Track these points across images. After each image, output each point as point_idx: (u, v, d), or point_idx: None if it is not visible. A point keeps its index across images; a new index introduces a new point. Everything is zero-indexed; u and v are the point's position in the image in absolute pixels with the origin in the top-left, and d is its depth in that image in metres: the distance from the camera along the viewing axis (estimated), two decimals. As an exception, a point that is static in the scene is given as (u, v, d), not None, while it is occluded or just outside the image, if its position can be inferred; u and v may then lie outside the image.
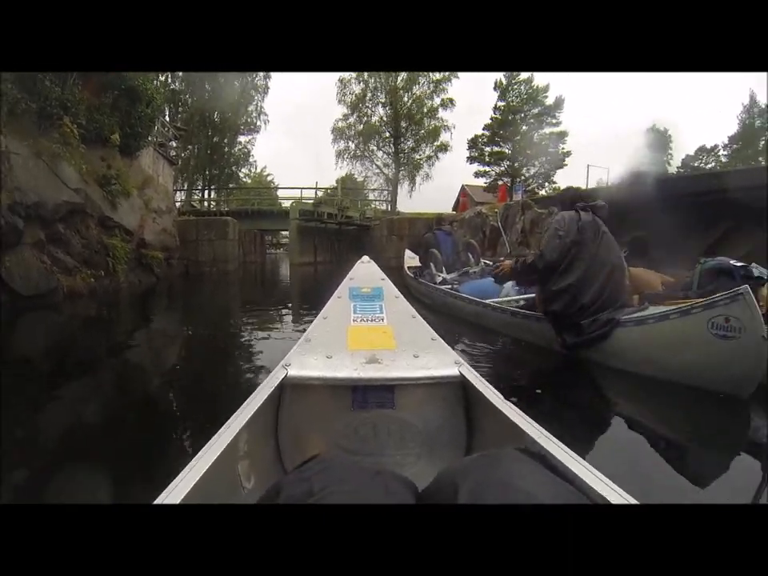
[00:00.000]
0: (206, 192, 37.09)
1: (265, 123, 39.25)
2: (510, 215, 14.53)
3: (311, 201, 28.51)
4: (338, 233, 29.80)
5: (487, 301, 5.56)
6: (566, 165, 37.50)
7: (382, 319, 1.94)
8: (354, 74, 38.36)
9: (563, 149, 37.81)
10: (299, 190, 30.34)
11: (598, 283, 3.89)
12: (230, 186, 38.87)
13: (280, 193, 41.29)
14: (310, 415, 1.66)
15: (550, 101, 37.60)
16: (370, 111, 39.55)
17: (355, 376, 1.58)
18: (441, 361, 1.67)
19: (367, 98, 39.17)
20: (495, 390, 1.45)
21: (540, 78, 37.62)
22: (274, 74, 38.37)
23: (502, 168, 39.39)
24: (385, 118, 39.25)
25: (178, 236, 15.93)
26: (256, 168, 42.94)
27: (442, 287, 7.02)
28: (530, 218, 13.54)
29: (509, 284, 5.54)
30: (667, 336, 3.38)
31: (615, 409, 3.28)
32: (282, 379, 1.53)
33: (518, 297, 5.58)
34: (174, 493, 0.87)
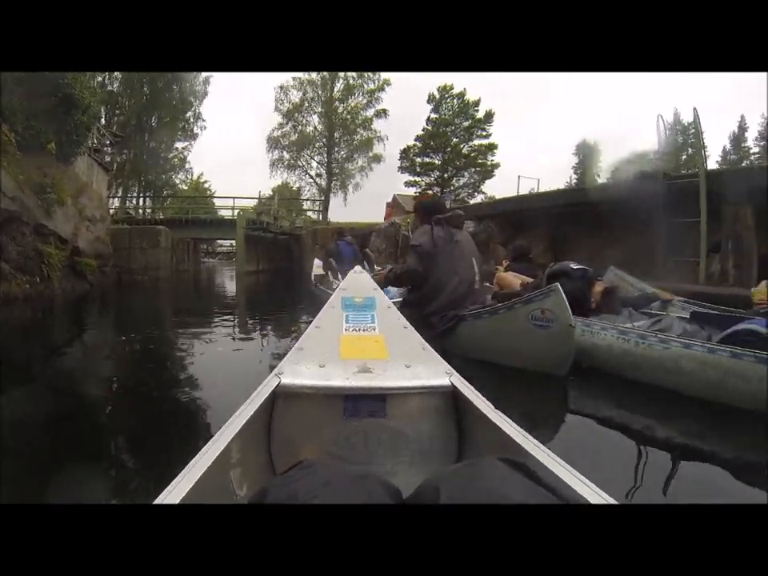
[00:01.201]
0: (141, 199, 37.16)
1: (202, 130, 39.53)
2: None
3: (252, 209, 29.80)
4: (273, 242, 30.47)
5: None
6: (494, 176, 39.97)
7: (374, 329, 1.95)
8: (293, 81, 39.57)
9: (492, 161, 40.10)
10: (236, 199, 31.17)
11: (451, 286, 4.54)
12: (165, 193, 39.18)
13: (217, 201, 41.78)
14: (301, 423, 1.67)
15: (480, 114, 39.72)
16: (305, 120, 40.58)
17: (347, 385, 1.61)
18: (432, 370, 1.70)
19: (304, 106, 40.13)
20: (486, 400, 1.48)
21: (472, 92, 39.95)
22: (214, 80, 38.74)
23: (432, 178, 41.28)
24: (319, 128, 40.36)
25: (111, 244, 16.46)
26: (192, 175, 43.18)
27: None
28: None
29: (393, 289, 5.73)
30: (498, 327, 3.99)
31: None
32: (275, 387, 1.56)
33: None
34: (168, 500, 0.89)
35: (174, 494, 0.90)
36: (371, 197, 41.87)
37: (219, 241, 42.29)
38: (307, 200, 41.73)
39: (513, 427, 1.26)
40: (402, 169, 42.19)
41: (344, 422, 1.66)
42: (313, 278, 10.43)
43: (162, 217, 30.48)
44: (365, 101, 40.04)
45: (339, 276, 8.73)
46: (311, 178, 41.84)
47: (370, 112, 40.20)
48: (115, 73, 33.16)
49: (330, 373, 1.65)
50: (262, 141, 41.27)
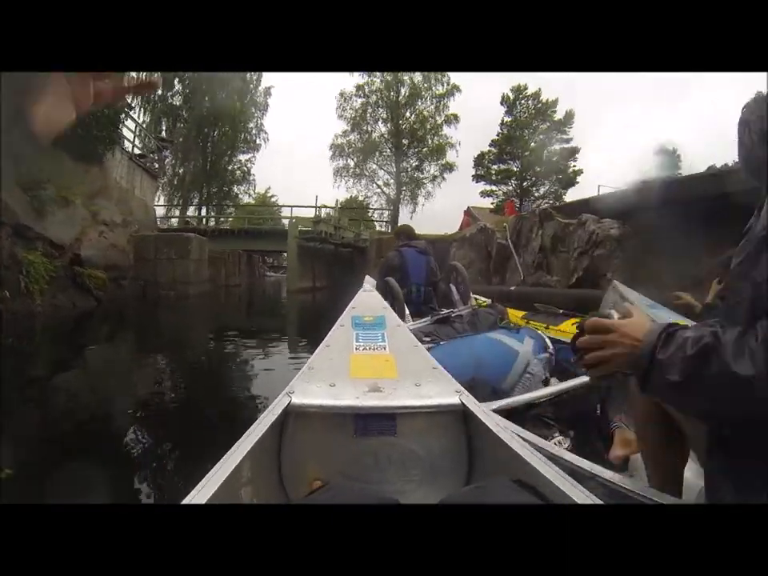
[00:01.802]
0: (202, 209, 36.12)
1: (265, 141, 38.33)
2: (524, 230, 11.52)
3: (310, 218, 26.08)
4: (334, 255, 27.39)
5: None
6: (578, 183, 35.89)
7: (384, 348, 2.00)
8: (354, 88, 37.33)
9: (574, 166, 36.36)
10: (294, 209, 28.36)
11: None
12: (226, 204, 37.88)
13: (280, 212, 39.34)
14: (312, 442, 1.67)
15: (559, 115, 36.40)
16: (370, 127, 38.08)
17: (357, 404, 1.61)
18: (442, 389, 1.72)
19: (368, 113, 37.72)
20: (497, 419, 1.55)
21: (549, 93, 36.72)
22: (275, 90, 38.26)
23: (510, 187, 37.88)
24: (386, 135, 37.77)
25: (135, 253, 14.29)
26: (255, 187, 41.27)
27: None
28: (550, 231, 10.41)
29: (529, 348, 3.32)
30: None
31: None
32: (286, 406, 1.57)
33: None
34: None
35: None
36: (443, 209, 38.54)
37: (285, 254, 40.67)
38: (373, 209, 39.19)
39: (523, 446, 1.31)
40: (476, 177, 38.65)
41: (354, 441, 1.68)
42: None
43: (226, 227, 29.84)
44: (432, 106, 37.51)
45: (406, 314, 4.75)
46: (379, 187, 38.97)
47: (440, 118, 37.54)
48: (176, 86, 34.19)
49: (341, 392, 1.69)
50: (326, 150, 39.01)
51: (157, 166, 22.50)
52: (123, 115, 16.50)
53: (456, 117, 37.19)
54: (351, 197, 40.22)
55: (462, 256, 13.70)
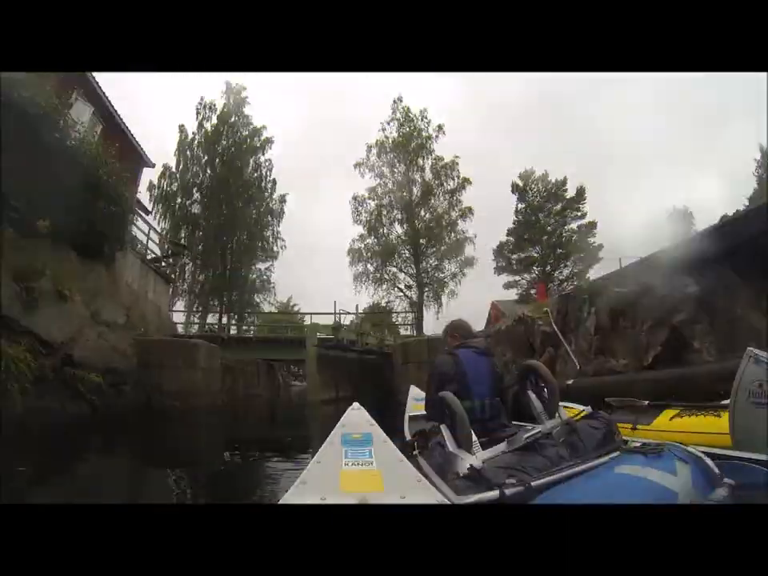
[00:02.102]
0: (222, 318, 35.21)
1: (282, 249, 37.95)
2: (571, 311, 9.34)
3: (330, 325, 24.04)
4: (358, 362, 25.19)
5: None
6: (602, 259, 34.00)
7: (371, 463, 2.13)
8: (366, 192, 37.24)
9: (593, 243, 35.66)
10: (314, 316, 27.01)
11: None
12: (247, 312, 36.93)
13: (303, 320, 38.39)
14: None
15: (570, 193, 36.37)
16: (386, 230, 37.44)
17: None
18: (426, 501, 1.81)
19: (383, 215, 37.20)
20: None
21: (555, 173, 37.08)
22: (289, 197, 38.44)
23: (533, 275, 37.11)
24: (403, 237, 37.07)
25: (138, 358, 12.85)
26: (275, 296, 40.15)
27: (476, 498, 2.36)
28: (606, 305, 8.24)
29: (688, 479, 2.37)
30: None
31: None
32: None
33: None
34: None
35: None
36: (465, 306, 36.72)
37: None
38: (398, 313, 37.59)
39: None
40: (498, 270, 38.44)
41: None
42: (407, 428, 5.18)
43: (241, 335, 29.08)
44: (446, 202, 36.88)
45: (474, 441, 3.07)
46: (400, 290, 37.48)
47: (454, 213, 36.89)
48: (195, 194, 34.74)
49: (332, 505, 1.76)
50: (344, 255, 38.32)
51: (168, 271, 21.56)
52: (133, 215, 15.81)
53: (470, 210, 36.53)
54: (374, 303, 38.95)
55: (500, 354, 11.92)
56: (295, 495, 1.83)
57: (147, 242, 18.01)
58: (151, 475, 5.74)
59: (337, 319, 23.91)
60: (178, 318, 30.86)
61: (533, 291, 31.76)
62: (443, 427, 3.28)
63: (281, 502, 1.76)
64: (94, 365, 10.61)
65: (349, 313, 26.82)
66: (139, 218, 17.98)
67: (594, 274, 30.47)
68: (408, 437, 4.68)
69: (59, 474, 5.29)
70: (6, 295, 8.53)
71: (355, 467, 2.09)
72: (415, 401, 6.49)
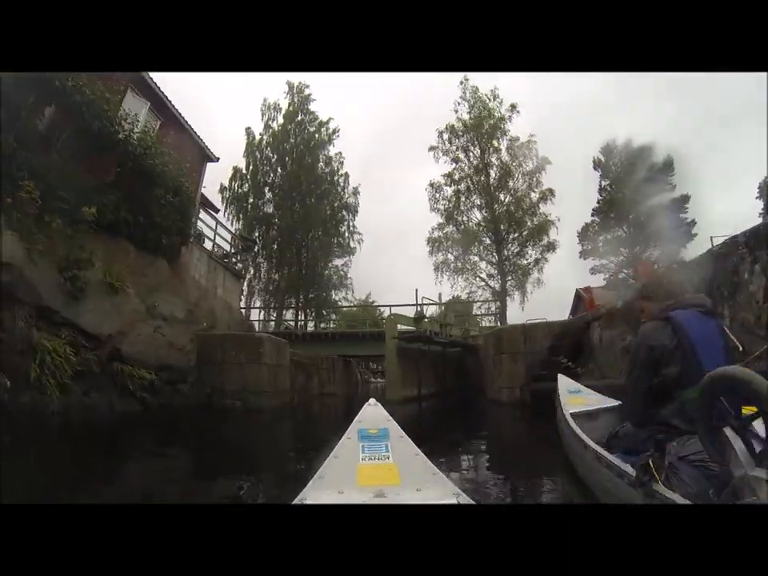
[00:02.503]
0: (298, 314, 34.85)
1: (359, 243, 37.22)
2: (719, 275, 6.96)
3: (410, 317, 21.18)
4: (442, 356, 22.95)
5: None
6: (696, 235, 30.78)
7: (388, 457, 2.24)
8: (442, 177, 35.31)
9: (686, 219, 32.54)
10: (393, 308, 23.89)
11: None
12: (324, 310, 36.22)
13: (382, 315, 37.62)
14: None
15: (657, 160, 32.51)
16: (465, 217, 35.36)
17: None
18: (441, 493, 1.90)
19: (461, 201, 35.15)
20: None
21: (640, 138, 33.53)
22: (362, 188, 37.66)
23: (621, 257, 34.19)
24: (483, 223, 34.83)
25: (198, 354, 12.17)
26: (353, 292, 39.04)
27: None
28: None
29: None
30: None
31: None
32: None
33: None
34: None
35: None
36: (542, 295, 34.08)
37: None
38: (481, 302, 35.34)
39: None
40: (583, 254, 35.97)
41: None
42: (575, 430, 3.93)
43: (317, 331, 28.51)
44: (525, 184, 34.44)
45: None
46: (482, 280, 35.19)
47: (534, 195, 34.41)
48: (267, 194, 34.73)
49: (349, 498, 1.85)
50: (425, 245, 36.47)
51: (240, 266, 21.10)
52: (197, 208, 15.33)
53: (551, 191, 33.94)
54: (455, 295, 36.74)
55: (613, 338, 10.28)
56: (313, 490, 1.88)
57: (215, 237, 17.46)
58: (199, 478, 5.21)
59: (419, 309, 21.62)
60: (255, 316, 30.90)
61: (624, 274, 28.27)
62: (729, 432, 1.86)
63: (299, 497, 1.81)
64: (146, 360, 10.02)
65: (431, 303, 24.31)
66: (207, 214, 17.65)
67: (687, 254, 27.97)
68: (577, 442, 3.73)
69: (91, 475, 4.65)
70: (48, 285, 8.03)
71: (372, 461, 2.17)
72: (569, 393, 5.35)
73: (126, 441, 7.02)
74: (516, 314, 32.32)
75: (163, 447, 6.79)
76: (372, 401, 3.08)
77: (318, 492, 1.88)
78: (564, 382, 5.70)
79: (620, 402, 4.49)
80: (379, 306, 38.18)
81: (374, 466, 2.14)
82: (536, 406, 11.31)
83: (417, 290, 23.87)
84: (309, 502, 1.78)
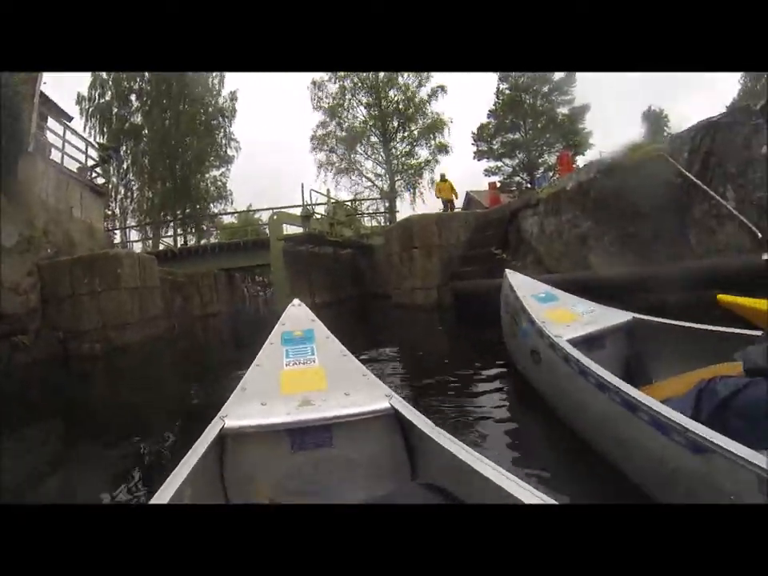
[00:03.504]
0: (177, 231, 31.17)
1: (237, 151, 33.99)
2: (721, 147, 5.89)
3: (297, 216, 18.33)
4: (334, 260, 21.47)
5: None
6: (592, 146, 31.34)
7: (314, 361, 2.09)
8: (327, 74, 32.55)
9: (583, 128, 32.38)
10: (276, 211, 19.92)
11: None
12: (205, 224, 33.26)
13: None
14: (252, 462, 1.71)
15: (558, 75, 32.09)
16: (350, 115, 33.33)
17: (290, 420, 1.68)
18: (372, 396, 1.79)
19: (347, 98, 32.94)
20: (426, 419, 1.59)
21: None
22: (240, 93, 34.20)
23: (515, 161, 33.70)
24: (369, 120, 32.97)
25: (42, 293, 9.55)
26: (233, 203, 35.76)
27: None
28: None
29: None
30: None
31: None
32: (220, 430, 1.61)
33: None
34: None
35: None
36: (430, 198, 32.65)
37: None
38: (368, 200, 33.07)
39: (453, 442, 1.40)
40: (478, 154, 34.49)
41: (293, 456, 1.74)
42: (561, 377, 2.85)
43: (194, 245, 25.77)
44: (417, 80, 32.41)
45: None
46: (369, 180, 33.65)
47: (424, 92, 32.84)
48: (134, 102, 31.44)
49: (272, 410, 1.74)
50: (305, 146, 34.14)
51: (103, 180, 17.99)
52: (35, 105, 12.12)
53: (443, 88, 32.57)
54: (339, 198, 34.77)
55: (560, 226, 8.51)
56: (234, 404, 1.76)
57: (63, 146, 14.09)
58: (81, 460, 3.76)
59: (307, 207, 18.83)
60: (128, 239, 27.42)
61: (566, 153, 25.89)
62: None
63: (220, 413, 1.69)
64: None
65: (320, 203, 21.18)
66: (56, 121, 14.33)
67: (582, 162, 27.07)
68: (604, 397, 2.28)
69: None
70: None
71: (297, 366, 2.04)
72: (540, 302, 3.65)
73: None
74: (406, 215, 30.56)
75: (10, 434, 4.54)
76: (296, 301, 2.94)
77: (240, 407, 1.74)
78: (521, 283, 4.07)
79: (633, 317, 3.23)
80: (262, 209, 34.31)
81: (300, 371, 2.00)
82: (460, 309, 9.93)
83: (302, 184, 20.15)
84: (230, 419, 1.66)
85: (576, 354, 2.64)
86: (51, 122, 13.75)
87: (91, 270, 10.17)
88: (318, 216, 18.87)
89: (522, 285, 3.98)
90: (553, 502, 1.00)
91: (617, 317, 3.28)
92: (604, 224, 7.35)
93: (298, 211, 18.41)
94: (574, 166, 15.77)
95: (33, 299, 9.33)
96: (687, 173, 6.08)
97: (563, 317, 3.34)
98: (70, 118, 19.48)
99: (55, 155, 13.51)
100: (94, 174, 16.74)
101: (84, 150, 15.84)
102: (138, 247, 25.86)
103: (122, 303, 10.28)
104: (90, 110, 29.86)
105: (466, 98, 53.63)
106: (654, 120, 33.17)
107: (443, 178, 18.53)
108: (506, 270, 4.41)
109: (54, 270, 10.06)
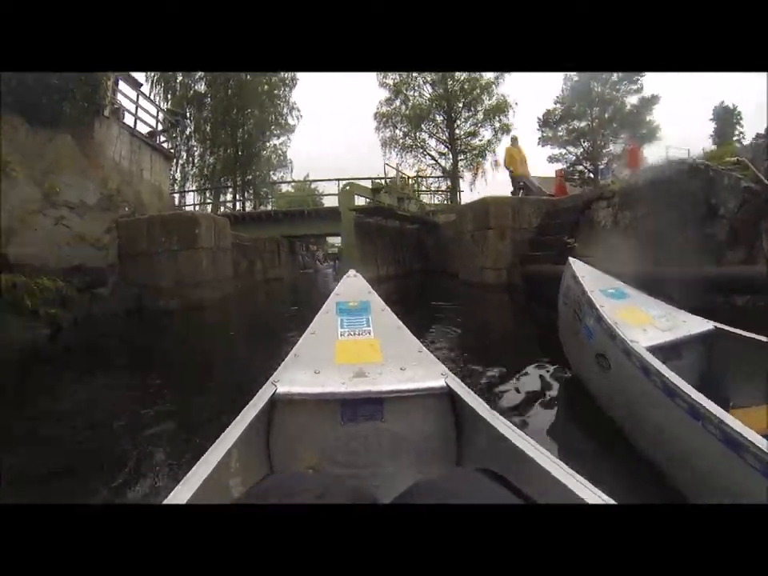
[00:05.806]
0: (236, 196, 31.52)
1: (298, 119, 33.29)
2: None
3: (368, 188, 16.68)
4: (399, 234, 19.91)
5: None
6: (658, 139, 29.41)
7: (369, 332, 1.95)
8: None
9: (651, 121, 30.50)
10: (343, 182, 18.90)
11: None
12: (264, 191, 32.85)
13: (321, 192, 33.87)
14: (301, 430, 1.63)
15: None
16: (416, 92, 31.83)
17: (343, 390, 1.58)
18: (427, 372, 1.68)
19: (413, 76, 31.19)
20: (482, 402, 1.45)
21: None
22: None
23: (579, 150, 32.19)
24: (435, 100, 31.41)
25: (120, 248, 9.37)
26: (292, 172, 35.02)
27: None
28: None
29: None
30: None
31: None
32: (272, 396, 1.52)
33: None
34: (173, 501, 0.90)
35: (177, 497, 0.92)
36: (499, 176, 31.36)
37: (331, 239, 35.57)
38: (433, 177, 31.49)
39: (507, 426, 1.27)
40: (543, 140, 33.16)
41: (343, 428, 1.65)
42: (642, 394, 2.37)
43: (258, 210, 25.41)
44: None
45: None
46: (432, 159, 31.83)
47: (490, 73, 30.74)
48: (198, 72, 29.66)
49: (326, 379, 1.64)
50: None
51: (168, 146, 17.69)
52: (109, 81, 11.80)
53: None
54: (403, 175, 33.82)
55: (639, 219, 7.79)
56: (286, 371, 1.66)
57: (137, 111, 13.92)
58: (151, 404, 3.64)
59: (379, 180, 18.13)
60: (190, 202, 27.88)
61: (628, 147, 24.54)
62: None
63: (272, 378, 1.60)
64: (47, 264, 7.28)
65: (390, 175, 20.28)
66: (127, 85, 13.93)
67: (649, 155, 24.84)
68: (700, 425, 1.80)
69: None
70: None
71: (351, 337, 1.91)
72: (608, 297, 3.05)
73: (37, 381, 4.62)
74: (468, 196, 29.06)
75: (90, 377, 4.58)
76: (352, 272, 2.80)
77: (293, 373, 1.63)
78: (587, 273, 3.42)
79: (715, 326, 2.66)
80: (326, 180, 33.61)
81: (354, 341, 1.87)
82: (530, 292, 9.27)
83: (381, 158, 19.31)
84: (282, 384, 1.55)
85: (660, 366, 2.13)
86: (123, 86, 13.38)
87: (169, 228, 9.99)
88: (386, 191, 17.51)
89: (589, 276, 3.38)
90: (612, 501, 0.90)
91: (696, 325, 2.73)
92: (680, 223, 6.68)
93: (366, 184, 17.52)
94: (642, 160, 14.60)
95: (111, 254, 9.21)
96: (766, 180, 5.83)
97: (638, 318, 2.78)
98: (140, 85, 19.27)
99: (128, 120, 13.23)
100: (162, 138, 16.48)
101: (155, 115, 15.61)
102: (197, 210, 25.78)
103: (197, 262, 10.10)
104: (155, 77, 29.35)
105: (530, 83, 52.06)
106: (725, 116, 32.10)
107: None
108: (569, 257, 3.81)
109: (132, 227, 9.90)
